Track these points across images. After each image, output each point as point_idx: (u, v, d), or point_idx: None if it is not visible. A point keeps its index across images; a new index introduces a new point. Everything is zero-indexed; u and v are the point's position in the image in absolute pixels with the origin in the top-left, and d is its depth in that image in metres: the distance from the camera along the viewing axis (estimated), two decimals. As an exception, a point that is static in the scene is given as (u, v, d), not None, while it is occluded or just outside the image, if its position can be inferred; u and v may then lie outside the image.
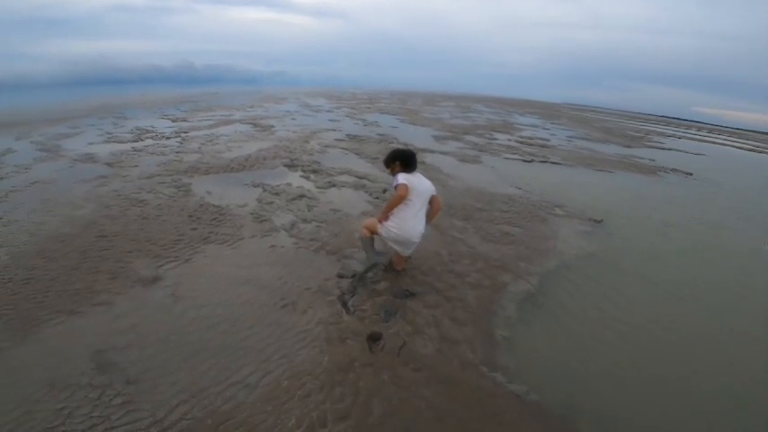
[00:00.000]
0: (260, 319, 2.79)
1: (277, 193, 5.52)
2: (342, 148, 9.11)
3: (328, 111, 18.07)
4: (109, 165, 6.58)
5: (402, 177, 3.15)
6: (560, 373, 2.53)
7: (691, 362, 2.78)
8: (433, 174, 7.36)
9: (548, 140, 14.06)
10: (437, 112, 21.61)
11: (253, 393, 2.16)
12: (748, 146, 25.03)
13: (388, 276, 3.45)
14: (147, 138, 9.10)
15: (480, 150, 10.57)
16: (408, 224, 3.19)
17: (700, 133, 31.74)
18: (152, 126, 10.73)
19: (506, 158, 9.83)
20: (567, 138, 15.73)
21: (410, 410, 2.13)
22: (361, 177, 6.62)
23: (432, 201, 3.34)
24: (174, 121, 12.04)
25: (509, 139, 13.32)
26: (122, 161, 6.83)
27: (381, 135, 11.53)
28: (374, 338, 2.64)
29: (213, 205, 4.91)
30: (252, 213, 4.73)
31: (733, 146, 23.41)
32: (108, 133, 9.42)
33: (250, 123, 12.20)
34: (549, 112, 34.25)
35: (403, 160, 3.28)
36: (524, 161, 9.71)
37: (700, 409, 2.36)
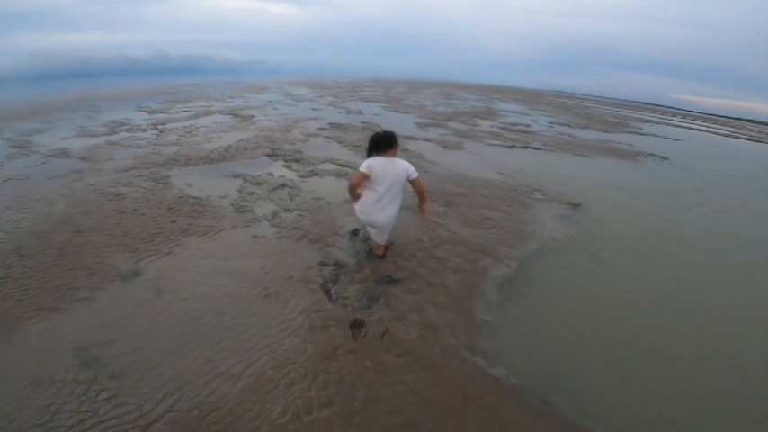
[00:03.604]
0: (243, 309, 2.81)
1: (258, 183, 5.48)
2: (324, 137, 9.04)
3: (310, 100, 17.79)
4: (83, 159, 6.40)
5: (365, 163, 3.11)
6: (540, 356, 2.62)
7: (669, 342, 2.91)
8: (415, 160, 7.39)
9: (529, 126, 14.20)
10: (420, 100, 21.50)
11: (238, 383, 2.19)
12: (726, 132, 25.72)
13: (371, 263, 3.49)
14: (122, 131, 8.83)
15: (463, 137, 10.62)
16: (368, 209, 3.23)
17: (684, 120, 32.36)
18: (127, 119, 10.41)
19: (489, 144, 9.91)
20: (548, 124, 15.91)
21: (393, 396, 2.19)
22: (343, 165, 6.60)
23: (413, 184, 3.19)
24: (150, 113, 11.70)
25: (492, 126, 13.40)
26: (97, 155, 6.64)
27: (364, 123, 11.46)
28: (357, 325, 2.70)
29: (193, 197, 4.85)
30: (233, 204, 4.69)
31: (711, 132, 24.01)
32: (81, 127, 9.12)
33: (230, 114, 11.95)
34: (532, 98, 34.45)
35: (372, 145, 3.22)
36: (506, 147, 9.81)
37: (677, 385, 2.49)
